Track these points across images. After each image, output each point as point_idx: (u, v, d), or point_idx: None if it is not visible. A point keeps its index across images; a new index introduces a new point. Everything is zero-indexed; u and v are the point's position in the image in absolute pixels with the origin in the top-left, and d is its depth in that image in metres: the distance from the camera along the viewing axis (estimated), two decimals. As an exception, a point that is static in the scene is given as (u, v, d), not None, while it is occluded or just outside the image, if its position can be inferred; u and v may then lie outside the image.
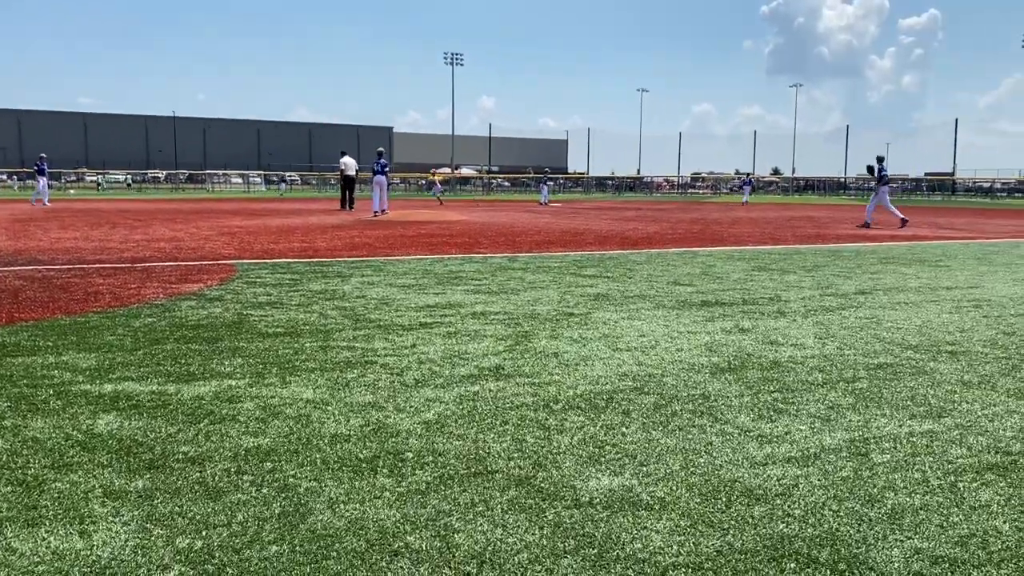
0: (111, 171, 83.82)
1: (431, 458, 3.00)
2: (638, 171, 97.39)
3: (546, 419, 3.50)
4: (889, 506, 2.64)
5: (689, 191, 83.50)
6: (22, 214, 22.45)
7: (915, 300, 7.12)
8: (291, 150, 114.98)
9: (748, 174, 57.43)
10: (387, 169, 24.18)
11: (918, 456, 3.12)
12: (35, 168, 32.64)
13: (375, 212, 22.78)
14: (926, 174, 79.08)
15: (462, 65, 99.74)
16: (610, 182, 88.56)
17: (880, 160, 19.70)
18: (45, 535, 2.34)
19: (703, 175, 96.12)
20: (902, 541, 2.39)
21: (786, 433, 3.35)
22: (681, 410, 3.66)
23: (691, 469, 2.93)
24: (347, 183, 27.31)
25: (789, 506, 2.62)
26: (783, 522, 2.50)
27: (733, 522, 2.49)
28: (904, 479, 2.87)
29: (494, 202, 42.46)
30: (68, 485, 2.71)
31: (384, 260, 10.24)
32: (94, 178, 75.93)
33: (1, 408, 3.57)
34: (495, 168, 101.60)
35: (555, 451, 3.10)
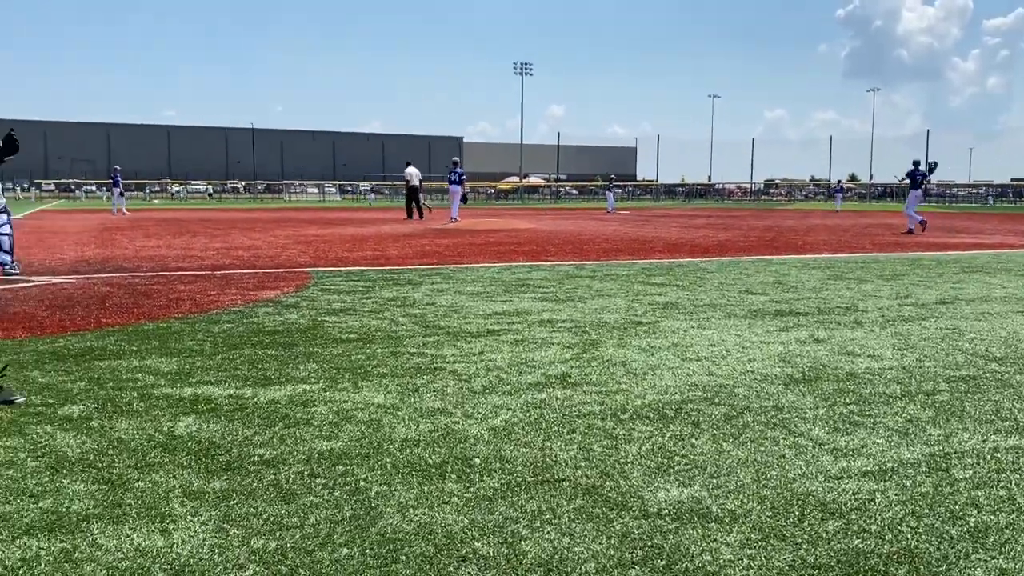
0: (192, 181, 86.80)
1: (498, 465, 3.02)
2: (709, 178, 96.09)
3: (613, 428, 3.48)
4: (972, 524, 2.54)
5: (762, 198, 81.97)
6: (110, 223, 23.45)
7: (1000, 311, 6.84)
8: (365, 161, 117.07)
9: (840, 181, 55.93)
10: (462, 178, 24.78)
11: (1003, 473, 2.99)
12: (111, 179, 34.09)
13: (452, 219, 23.41)
14: (1012, 179, 75.85)
15: (531, 75, 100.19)
16: (680, 189, 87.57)
17: (916, 164, 19.65)
18: (129, 532, 2.43)
19: (776, 181, 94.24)
20: (986, 561, 2.30)
21: (862, 446, 3.26)
22: (753, 421, 3.60)
23: (763, 482, 2.87)
24: (411, 193, 27.74)
25: (865, 521, 2.55)
26: (858, 538, 2.43)
27: (806, 536, 2.44)
28: (988, 496, 2.76)
29: (561, 210, 42.45)
30: (150, 484, 2.81)
31: (453, 268, 10.34)
32: (177, 189, 78.76)
33: (89, 409, 3.73)
34: (563, 176, 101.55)
35: (622, 461, 3.08)
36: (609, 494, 2.74)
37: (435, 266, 10.60)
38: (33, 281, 8.66)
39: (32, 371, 4.45)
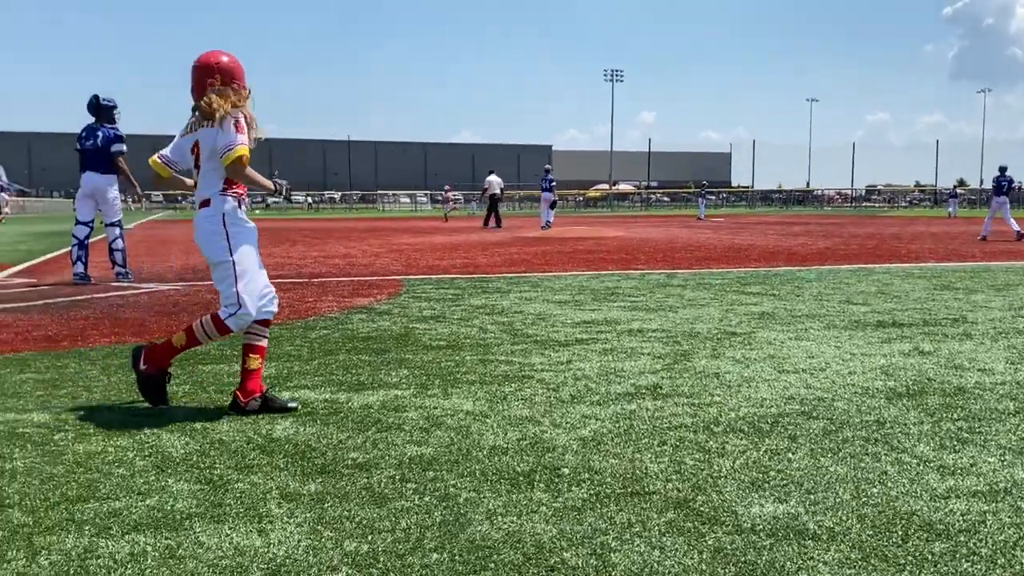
0: (293, 192, 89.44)
1: (587, 475, 2.99)
2: (807, 184, 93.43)
3: (706, 441, 3.41)
4: (1095, 551, 2.37)
5: (863, 204, 79.13)
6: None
7: None
8: (455, 171, 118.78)
9: (955, 186, 53.42)
10: (553, 185, 25.47)
11: None
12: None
13: (548, 224, 24.01)
14: None
15: (622, 81, 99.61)
16: (776, 195, 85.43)
17: (1002, 171, 18.81)
18: (228, 531, 2.52)
19: (879, 187, 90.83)
20: (1111, 592, 2.14)
21: (972, 465, 3.10)
22: (853, 436, 3.46)
23: (863, 499, 2.76)
24: (492, 202, 28.08)
25: (975, 544, 2.41)
26: (968, 560, 2.30)
27: (910, 558, 2.32)
28: (1114, 522, 2.57)
29: (651, 217, 41.98)
30: (249, 486, 2.91)
31: (541, 276, 10.35)
32: (277, 200, 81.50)
33: (194, 412, 3.89)
34: (654, 183, 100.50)
35: (715, 474, 3.01)
36: (701, 508, 2.68)
37: (523, 274, 10.63)
38: (143, 288, 9.10)
39: (142, 374, 4.66)
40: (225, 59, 3.89)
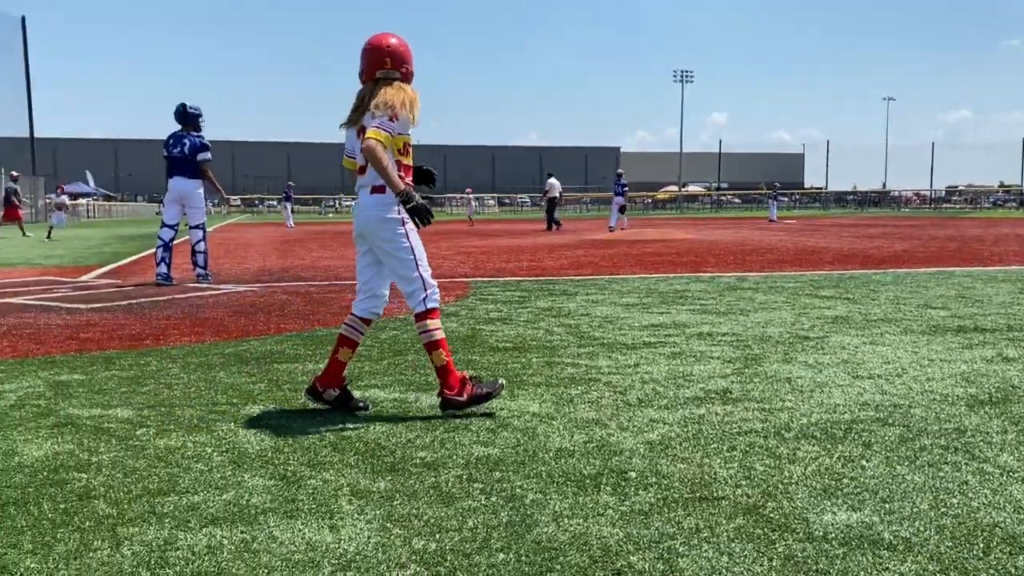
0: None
1: (654, 479, 2.97)
2: (883, 185, 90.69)
3: (777, 447, 3.35)
4: None
5: (943, 206, 76.40)
6: (289, 236, 25.13)
7: None
8: (522, 173, 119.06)
9: None
10: (625, 190, 26.07)
11: None
12: (283, 195, 36.54)
13: (622, 227, 24.40)
14: None
15: (692, 82, 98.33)
16: (851, 197, 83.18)
17: None
18: (301, 527, 2.58)
19: (959, 188, 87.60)
20: None
21: (1060, 477, 2.97)
22: (931, 445, 3.35)
23: (942, 509, 2.67)
24: (550, 204, 28.24)
25: (1063, 560, 2.31)
26: (1055, 577, 2.21)
27: (992, 571, 2.24)
28: None
29: (721, 219, 41.33)
30: (321, 482, 2.97)
31: (608, 279, 10.30)
32: (349, 203, 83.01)
33: (269, 409, 4.00)
34: (724, 185, 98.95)
35: (786, 481, 2.95)
36: (771, 515, 2.64)
37: (590, 277, 10.60)
38: (221, 289, 9.39)
39: (219, 372, 4.82)
40: (394, 41, 3.86)
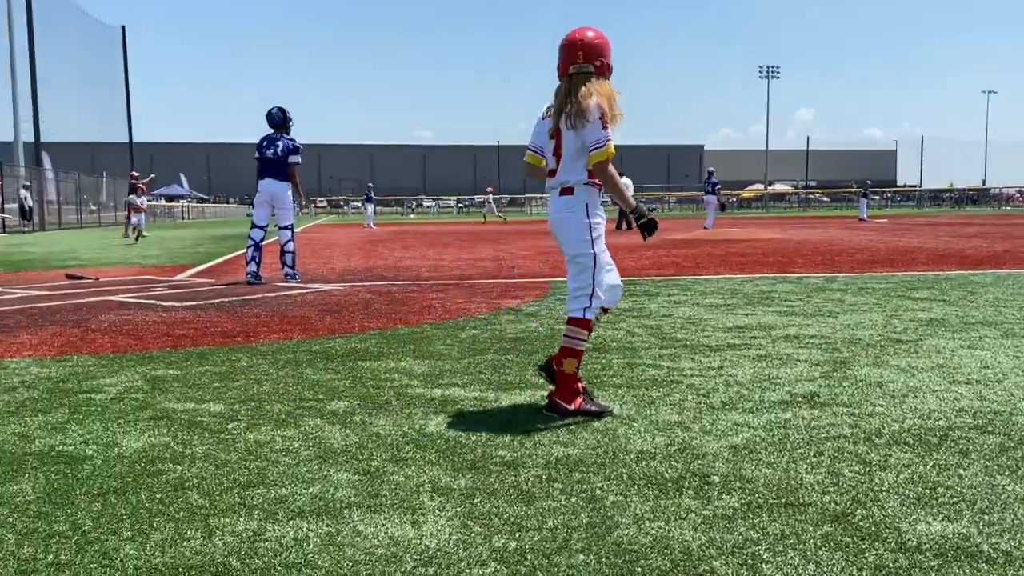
0: (443, 196, 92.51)
1: (738, 484, 2.91)
2: (983, 182, 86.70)
3: (867, 453, 3.24)
4: None
5: (1049, 203, 72.49)
6: (372, 236, 25.65)
7: None
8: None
9: None
10: (718, 189, 26.28)
11: None
12: (365, 197, 37.26)
13: (705, 228, 24.60)
14: None
15: (778, 78, 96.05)
16: (947, 195, 79.82)
17: None
18: (384, 522, 2.63)
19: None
20: None
21: None
22: (1034, 454, 3.19)
23: (1047, 523, 2.53)
24: None
25: None
26: None
27: (1103, 591, 2.11)
28: None
29: (808, 218, 40.21)
30: (403, 478, 3.02)
31: (691, 279, 10.15)
32: (430, 204, 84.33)
33: (352, 405, 4.08)
34: (812, 183, 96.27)
35: (877, 488, 2.85)
36: (861, 523, 2.55)
37: (672, 277, 10.46)
38: (308, 288, 9.64)
39: (306, 369, 4.95)
40: (590, 34, 3.78)
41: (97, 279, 11.20)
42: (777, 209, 72.16)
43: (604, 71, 3.80)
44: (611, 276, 3.99)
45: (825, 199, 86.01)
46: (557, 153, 3.86)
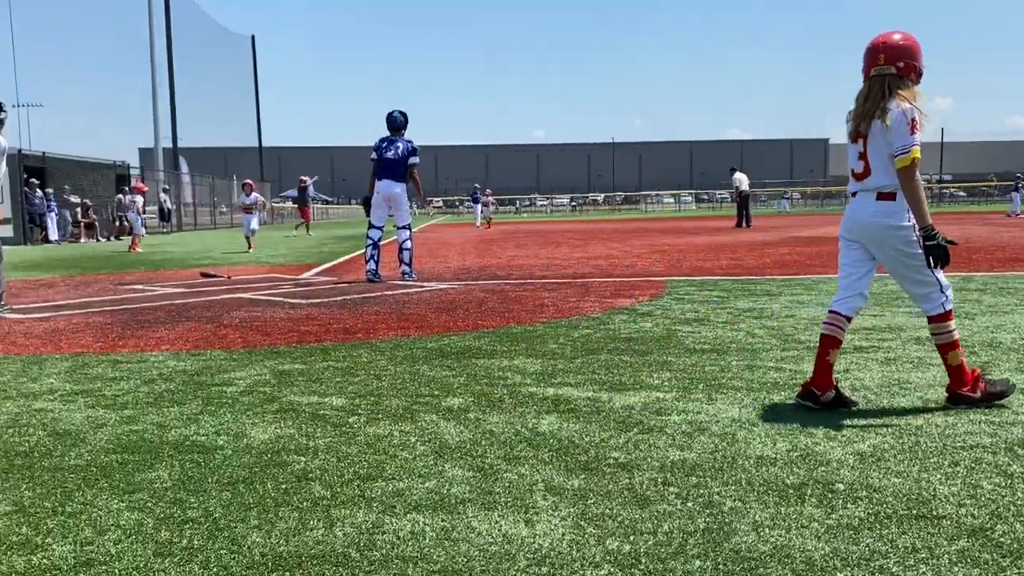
0: (557, 195, 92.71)
1: (865, 493, 2.78)
2: None
3: (1009, 464, 3.03)
4: None
5: None
6: (485, 235, 25.98)
7: None
8: (721, 169, 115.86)
9: None
10: None
11: None
12: (471, 196, 37.73)
13: None
14: None
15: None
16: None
17: None
18: (498, 519, 2.64)
19: None
20: None
21: None
22: None
23: None
24: (742, 200, 27.02)
25: None
26: None
27: None
28: None
29: (944, 214, 37.99)
30: (517, 476, 3.03)
31: (816, 278, 9.77)
32: (544, 203, 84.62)
33: (467, 402, 4.14)
34: (947, 176, 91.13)
35: (1019, 502, 2.66)
36: (1001, 539, 2.39)
37: (795, 276, 10.10)
38: (425, 287, 9.85)
39: (422, 365, 5.05)
40: (896, 37, 3.74)
41: (229, 277, 11.81)
42: (908, 204, 68.43)
43: (907, 73, 3.72)
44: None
45: (962, 193, 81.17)
46: (863, 157, 3.81)
